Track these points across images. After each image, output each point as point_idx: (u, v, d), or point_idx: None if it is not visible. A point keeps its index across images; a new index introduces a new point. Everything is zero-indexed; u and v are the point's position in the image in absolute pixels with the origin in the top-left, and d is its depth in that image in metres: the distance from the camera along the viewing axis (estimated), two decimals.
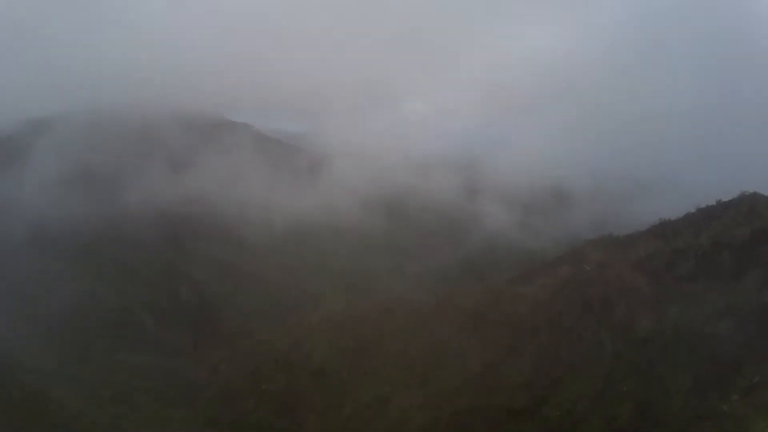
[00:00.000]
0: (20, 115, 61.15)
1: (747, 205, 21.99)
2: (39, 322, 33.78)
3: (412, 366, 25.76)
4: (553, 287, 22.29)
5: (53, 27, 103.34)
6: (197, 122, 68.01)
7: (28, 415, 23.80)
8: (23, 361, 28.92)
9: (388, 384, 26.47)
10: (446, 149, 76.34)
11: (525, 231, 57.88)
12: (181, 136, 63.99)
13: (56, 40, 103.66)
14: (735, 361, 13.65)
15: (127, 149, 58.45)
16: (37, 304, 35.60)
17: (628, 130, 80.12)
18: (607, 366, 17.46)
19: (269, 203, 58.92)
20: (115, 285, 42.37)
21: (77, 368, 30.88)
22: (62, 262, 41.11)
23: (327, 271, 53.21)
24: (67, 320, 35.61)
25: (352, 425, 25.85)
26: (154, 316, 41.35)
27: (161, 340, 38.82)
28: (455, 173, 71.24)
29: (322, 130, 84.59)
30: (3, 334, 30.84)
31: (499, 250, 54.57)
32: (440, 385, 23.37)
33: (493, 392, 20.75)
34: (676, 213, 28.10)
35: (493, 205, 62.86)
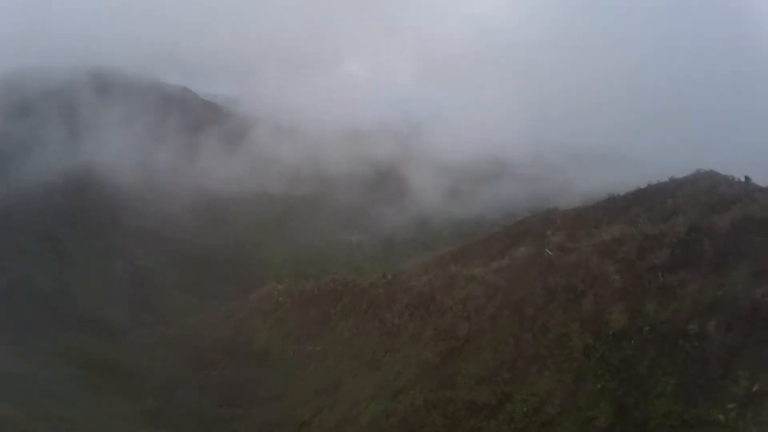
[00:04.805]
0: None
1: (705, 184, 20.56)
2: None
3: (360, 353, 23.64)
4: (511, 271, 20.37)
5: None
6: (126, 87, 62.45)
7: None
8: None
9: (336, 371, 24.34)
10: (383, 116, 73.47)
11: (464, 200, 56.15)
12: (104, 101, 58.47)
13: None
14: (726, 364, 12.06)
15: (40, 118, 52.88)
16: None
17: (567, 100, 79.31)
18: (576, 361, 15.56)
19: (200, 170, 55.09)
20: (46, 267, 38.36)
21: (6, 364, 27.10)
22: None
23: (266, 242, 50.22)
24: None
25: (299, 414, 23.63)
26: (89, 297, 37.70)
27: (98, 322, 35.25)
28: (391, 141, 68.81)
29: (257, 94, 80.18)
30: None
31: (437, 219, 52.75)
32: (393, 375, 21.31)
33: (450, 385, 18.78)
34: (621, 186, 26.72)
35: (430, 174, 60.75)
